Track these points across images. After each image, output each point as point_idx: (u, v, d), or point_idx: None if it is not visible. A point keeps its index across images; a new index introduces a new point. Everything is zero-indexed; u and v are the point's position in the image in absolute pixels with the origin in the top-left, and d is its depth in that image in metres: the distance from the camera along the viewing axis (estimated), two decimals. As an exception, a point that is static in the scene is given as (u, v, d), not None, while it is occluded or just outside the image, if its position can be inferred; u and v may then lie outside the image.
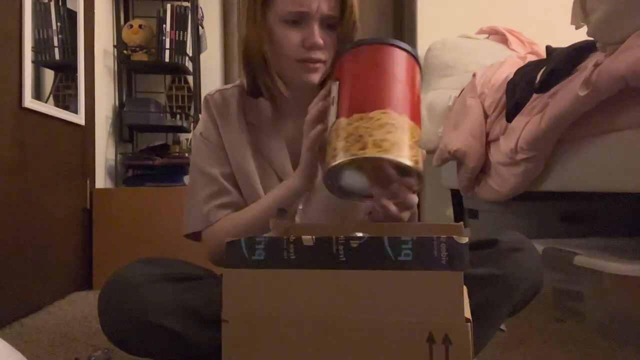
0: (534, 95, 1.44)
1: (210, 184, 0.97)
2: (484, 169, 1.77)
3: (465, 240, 0.54)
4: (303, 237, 0.58)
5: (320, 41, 0.88)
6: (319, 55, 0.90)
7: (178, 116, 2.52)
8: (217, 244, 0.94)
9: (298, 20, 0.88)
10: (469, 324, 0.53)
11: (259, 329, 0.60)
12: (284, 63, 0.92)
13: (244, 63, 0.96)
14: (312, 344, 0.58)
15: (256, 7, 0.90)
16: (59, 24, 1.86)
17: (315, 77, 0.93)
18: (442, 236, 0.54)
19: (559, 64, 1.36)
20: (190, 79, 2.54)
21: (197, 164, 0.99)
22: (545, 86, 1.38)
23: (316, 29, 0.88)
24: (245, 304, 0.60)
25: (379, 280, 0.56)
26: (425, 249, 0.55)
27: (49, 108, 1.76)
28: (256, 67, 0.94)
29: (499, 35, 2.64)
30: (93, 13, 2.16)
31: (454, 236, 0.54)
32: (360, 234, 0.58)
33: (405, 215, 0.78)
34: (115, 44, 2.43)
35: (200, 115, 1.06)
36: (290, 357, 0.59)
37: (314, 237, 0.58)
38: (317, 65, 0.91)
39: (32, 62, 1.65)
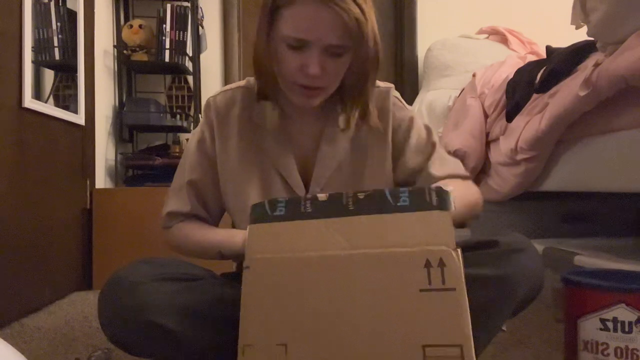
0: (534, 95, 1.44)
1: (178, 187, 1.01)
2: (484, 169, 1.77)
3: (450, 189, 0.67)
4: (318, 194, 0.70)
5: (317, 71, 0.83)
6: (317, 82, 0.86)
7: (178, 116, 2.52)
8: (172, 246, 1.02)
9: (299, 46, 0.83)
10: (458, 249, 0.63)
11: (276, 271, 0.67)
12: (284, 81, 0.90)
13: (254, 69, 0.94)
14: (325, 279, 0.65)
15: (264, 22, 0.86)
16: (59, 24, 1.86)
17: (313, 102, 0.90)
18: (432, 186, 0.69)
19: (559, 64, 1.36)
20: (190, 79, 2.54)
21: (181, 161, 1.04)
22: (545, 86, 1.38)
23: (315, 57, 0.83)
24: (266, 250, 0.68)
25: (383, 221, 0.66)
26: (419, 195, 0.67)
27: (49, 108, 1.76)
28: (264, 78, 0.93)
29: (499, 35, 2.64)
30: (93, 13, 2.16)
31: (441, 186, 0.68)
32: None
33: None
34: (115, 44, 2.43)
35: (200, 117, 1.06)
36: (305, 293, 0.66)
37: (327, 194, 0.70)
38: (315, 91, 0.88)
39: (32, 62, 1.65)
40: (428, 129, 1.04)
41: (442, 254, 0.62)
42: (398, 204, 0.66)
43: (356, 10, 0.79)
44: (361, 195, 0.68)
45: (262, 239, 0.69)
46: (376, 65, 0.89)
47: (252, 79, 0.99)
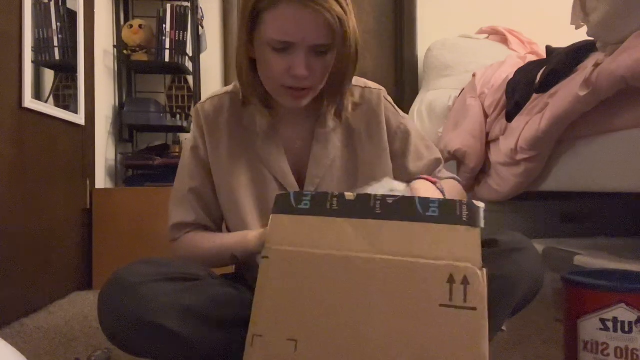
0: (534, 95, 1.44)
1: (180, 197, 1.00)
2: (484, 169, 1.77)
3: (482, 205, 0.64)
4: (345, 193, 0.68)
5: (305, 72, 0.84)
6: (305, 83, 0.87)
7: (178, 116, 2.51)
8: (181, 258, 1.00)
9: (284, 48, 0.83)
10: (484, 269, 0.61)
11: (294, 264, 0.66)
12: (270, 85, 0.90)
13: (237, 75, 0.94)
14: (344, 280, 0.64)
15: (245, 27, 0.86)
16: (59, 24, 1.86)
17: (301, 103, 0.90)
18: (464, 200, 0.66)
19: (559, 64, 1.36)
20: (190, 79, 2.54)
21: (178, 171, 1.03)
22: (545, 86, 1.38)
23: (301, 58, 0.83)
24: (286, 243, 0.67)
25: (410, 229, 0.65)
26: (449, 208, 0.65)
27: (49, 108, 1.76)
28: (248, 83, 0.93)
29: (499, 35, 2.64)
30: (93, 13, 2.16)
31: (473, 201, 0.65)
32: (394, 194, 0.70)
33: None
34: (115, 44, 2.42)
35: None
36: (321, 291, 0.64)
37: (355, 193, 0.68)
38: (303, 92, 0.89)
39: (32, 62, 1.65)
40: (430, 147, 1.06)
41: (466, 271, 0.61)
42: (427, 214, 0.65)
43: (338, 9, 0.80)
44: (390, 200, 0.67)
45: (284, 230, 0.68)
46: (355, 62, 0.90)
47: (239, 83, 1.00)
